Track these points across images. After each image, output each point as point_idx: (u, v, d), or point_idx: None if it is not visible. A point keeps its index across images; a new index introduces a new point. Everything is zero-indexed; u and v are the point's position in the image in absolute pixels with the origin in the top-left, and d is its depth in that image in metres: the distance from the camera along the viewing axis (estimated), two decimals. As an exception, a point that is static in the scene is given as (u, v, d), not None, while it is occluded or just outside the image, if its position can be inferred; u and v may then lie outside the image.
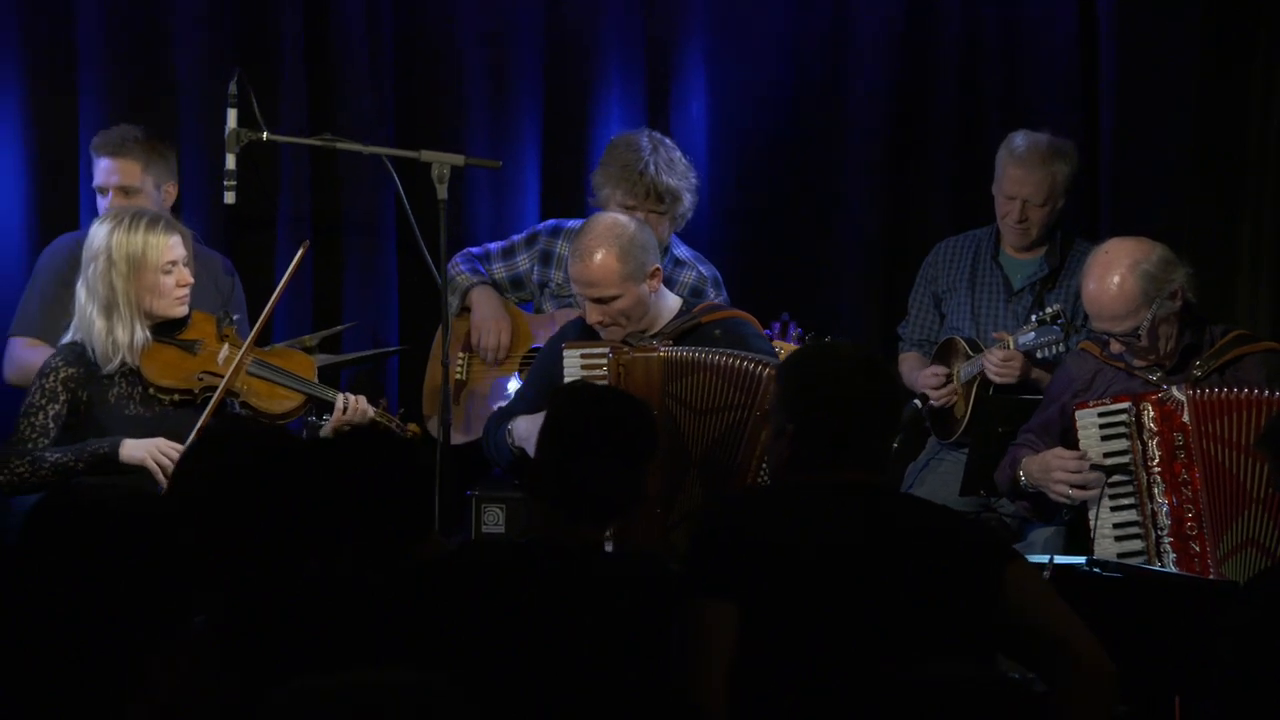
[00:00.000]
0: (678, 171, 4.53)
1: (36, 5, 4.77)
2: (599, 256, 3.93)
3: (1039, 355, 4.24)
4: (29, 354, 4.32)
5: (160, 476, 3.81)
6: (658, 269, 3.99)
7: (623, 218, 4.10)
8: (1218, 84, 4.57)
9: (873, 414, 2.72)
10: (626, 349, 3.89)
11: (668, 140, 4.61)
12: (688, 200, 4.56)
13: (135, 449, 3.85)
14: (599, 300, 3.94)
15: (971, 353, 4.41)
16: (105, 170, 4.43)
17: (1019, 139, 4.52)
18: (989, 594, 2.61)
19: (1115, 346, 3.95)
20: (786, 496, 2.73)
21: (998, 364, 4.26)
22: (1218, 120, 4.56)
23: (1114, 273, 3.87)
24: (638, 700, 2.66)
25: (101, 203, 4.45)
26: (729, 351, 3.83)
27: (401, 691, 1.48)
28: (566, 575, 2.71)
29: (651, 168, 4.47)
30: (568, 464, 2.79)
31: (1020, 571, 2.66)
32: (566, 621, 2.66)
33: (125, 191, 4.41)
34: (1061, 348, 4.23)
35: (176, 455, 3.80)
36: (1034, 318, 4.26)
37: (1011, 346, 4.25)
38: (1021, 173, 4.47)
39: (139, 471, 3.86)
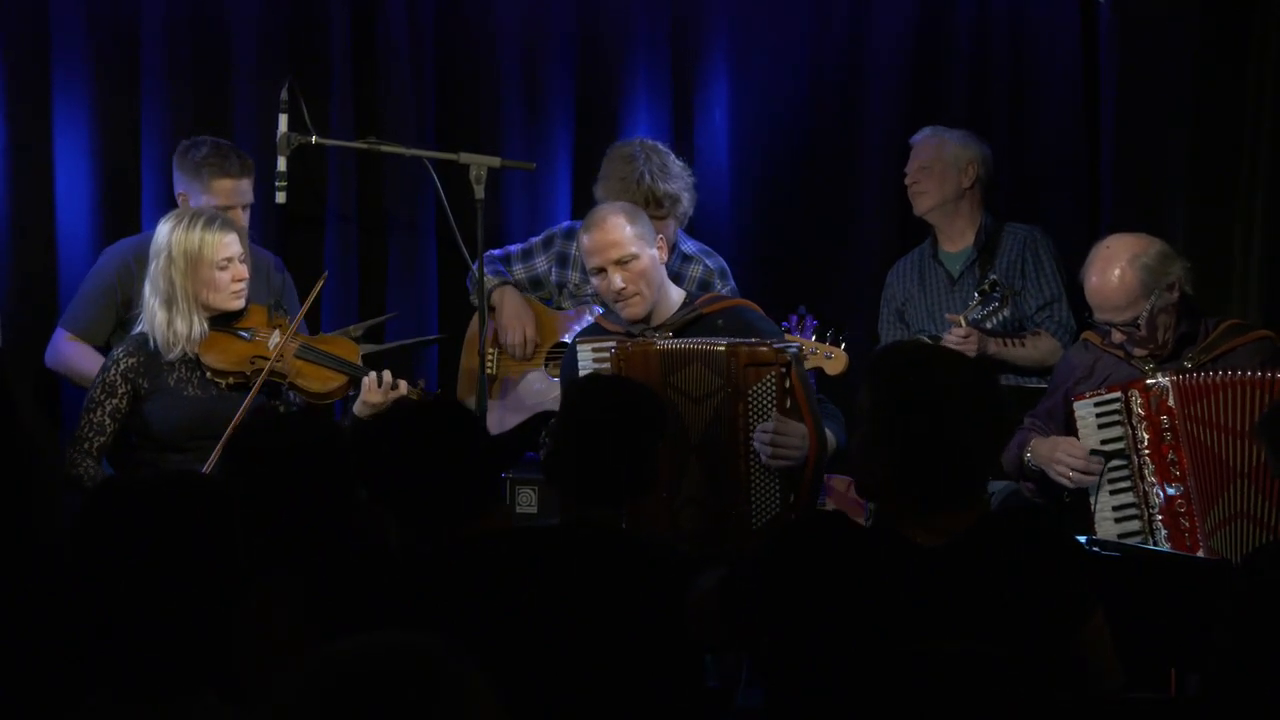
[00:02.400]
0: (672, 175, 4.49)
1: (105, 21, 4.78)
2: (610, 221, 3.93)
3: (988, 325, 4.41)
4: (67, 348, 4.33)
5: None
6: (662, 242, 4.00)
7: (620, 202, 4.13)
8: (1214, 87, 4.54)
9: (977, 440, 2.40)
10: (628, 342, 3.86)
11: (660, 146, 4.57)
12: (686, 200, 4.53)
13: None
14: (619, 262, 3.90)
15: None
16: (245, 190, 4.38)
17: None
18: (1060, 656, 2.40)
19: (1117, 336, 3.95)
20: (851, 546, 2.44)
21: (957, 343, 4.30)
22: (1214, 122, 4.53)
23: (1115, 266, 3.87)
24: (651, 676, 2.65)
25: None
26: (710, 340, 3.77)
27: (411, 653, 1.46)
28: (587, 555, 2.69)
29: (647, 177, 4.44)
30: (583, 450, 2.78)
31: (1092, 631, 2.44)
32: (590, 599, 2.64)
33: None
34: (1006, 312, 4.39)
35: None
36: (975, 293, 4.40)
37: (964, 323, 4.36)
38: (914, 150, 4.76)
39: (190, 453, 3.87)
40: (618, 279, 3.91)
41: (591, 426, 2.82)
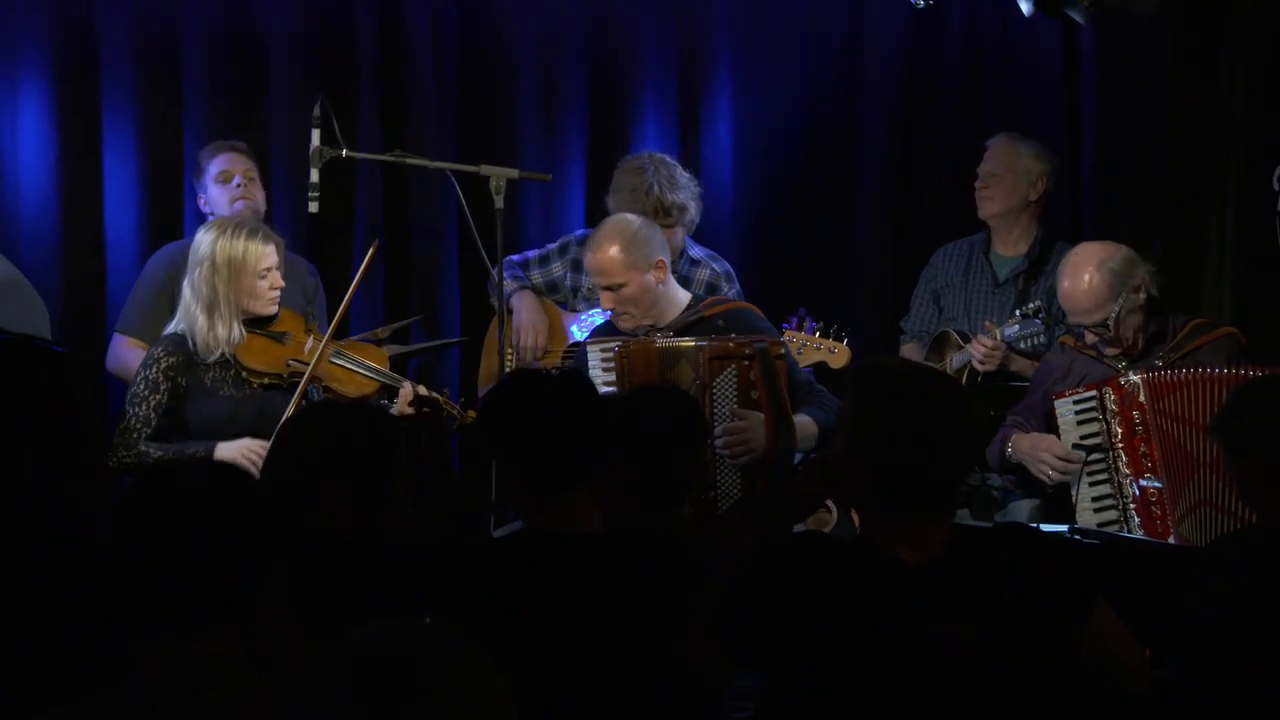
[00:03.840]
0: (679, 185, 4.53)
1: (151, 43, 4.81)
2: (604, 249, 3.98)
3: (1021, 346, 4.32)
4: (127, 352, 4.36)
5: (253, 471, 3.78)
6: (661, 261, 4.00)
7: (630, 216, 4.14)
8: (1189, 101, 4.59)
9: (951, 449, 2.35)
10: (630, 341, 3.91)
11: (668, 159, 4.61)
12: (694, 208, 4.57)
13: (228, 450, 3.84)
14: (608, 288, 4.00)
15: (963, 344, 4.48)
16: (228, 160, 4.47)
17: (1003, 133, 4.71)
18: (1060, 656, 2.35)
19: (1090, 337, 4.01)
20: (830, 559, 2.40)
21: (983, 353, 4.32)
22: (1189, 134, 4.58)
23: (1083, 272, 3.94)
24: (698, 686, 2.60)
25: (216, 191, 4.45)
26: (692, 338, 3.85)
27: (425, 641, 1.47)
28: (639, 563, 2.65)
29: (655, 188, 4.48)
30: (639, 460, 2.78)
31: (1096, 630, 2.39)
32: (640, 608, 2.59)
33: (249, 175, 4.47)
34: (1042, 339, 4.27)
35: (263, 452, 3.79)
36: (1018, 312, 4.31)
37: (998, 337, 4.31)
38: (989, 152, 4.67)
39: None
40: (607, 299, 4.01)
41: (647, 439, 2.80)
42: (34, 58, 4.72)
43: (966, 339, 4.46)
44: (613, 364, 3.90)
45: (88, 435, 2.38)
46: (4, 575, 2.21)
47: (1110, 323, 3.95)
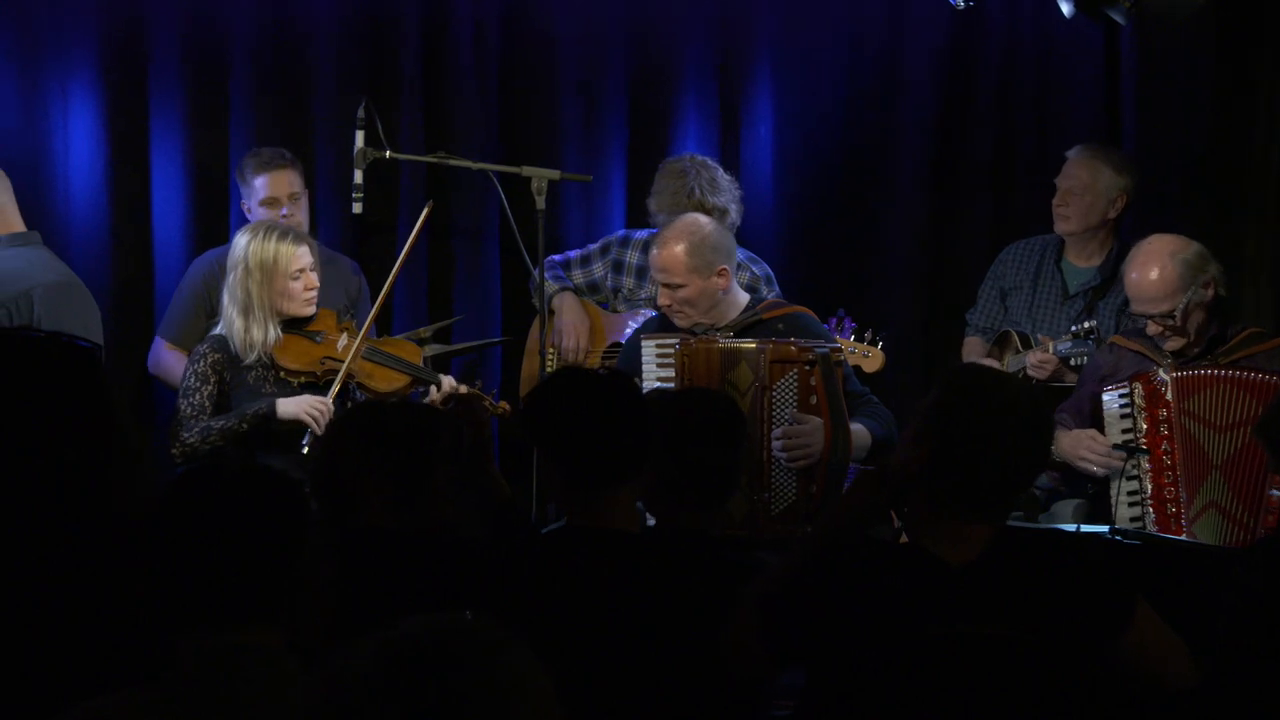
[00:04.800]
0: (721, 188, 4.52)
1: (197, 46, 4.83)
2: (670, 246, 3.95)
3: (1072, 363, 4.29)
4: (166, 355, 4.39)
5: (315, 427, 3.86)
6: (725, 270, 3.96)
7: (703, 218, 4.08)
8: (1228, 106, 4.56)
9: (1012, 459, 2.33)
10: (692, 340, 3.89)
11: (710, 161, 4.59)
12: (734, 211, 4.55)
13: (290, 405, 3.89)
14: (666, 285, 3.97)
15: (1022, 347, 4.45)
16: (276, 182, 4.43)
17: (1083, 144, 4.60)
18: (1102, 659, 2.32)
19: (1152, 328, 3.96)
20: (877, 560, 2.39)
21: (1036, 364, 4.31)
22: (1227, 138, 4.55)
23: (1156, 260, 3.91)
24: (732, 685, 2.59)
25: (264, 214, 4.42)
26: (754, 340, 3.81)
27: (465, 635, 1.46)
28: (679, 562, 2.64)
29: (697, 190, 4.47)
30: (679, 460, 2.77)
31: (1138, 634, 2.35)
32: (679, 607, 2.58)
33: (294, 199, 4.45)
34: (1088, 359, 4.24)
35: (326, 408, 3.88)
36: (1073, 329, 4.30)
37: (1050, 351, 4.29)
38: (1068, 165, 4.54)
39: (289, 432, 3.93)
40: (664, 295, 3.99)
41: (688, 438, 2.79)
42: (85, 62, 4.74)
43: (1027, 341, 4.44)
44: (669, 360, 3.89)
45: (122, 430, 2.39)
46: (42, 570, 2.23)
47: (1177, 314, 3.90)
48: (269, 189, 4.45)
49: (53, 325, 3.61)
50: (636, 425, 2.65)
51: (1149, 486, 3.86)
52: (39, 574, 2.21)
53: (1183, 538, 3.74)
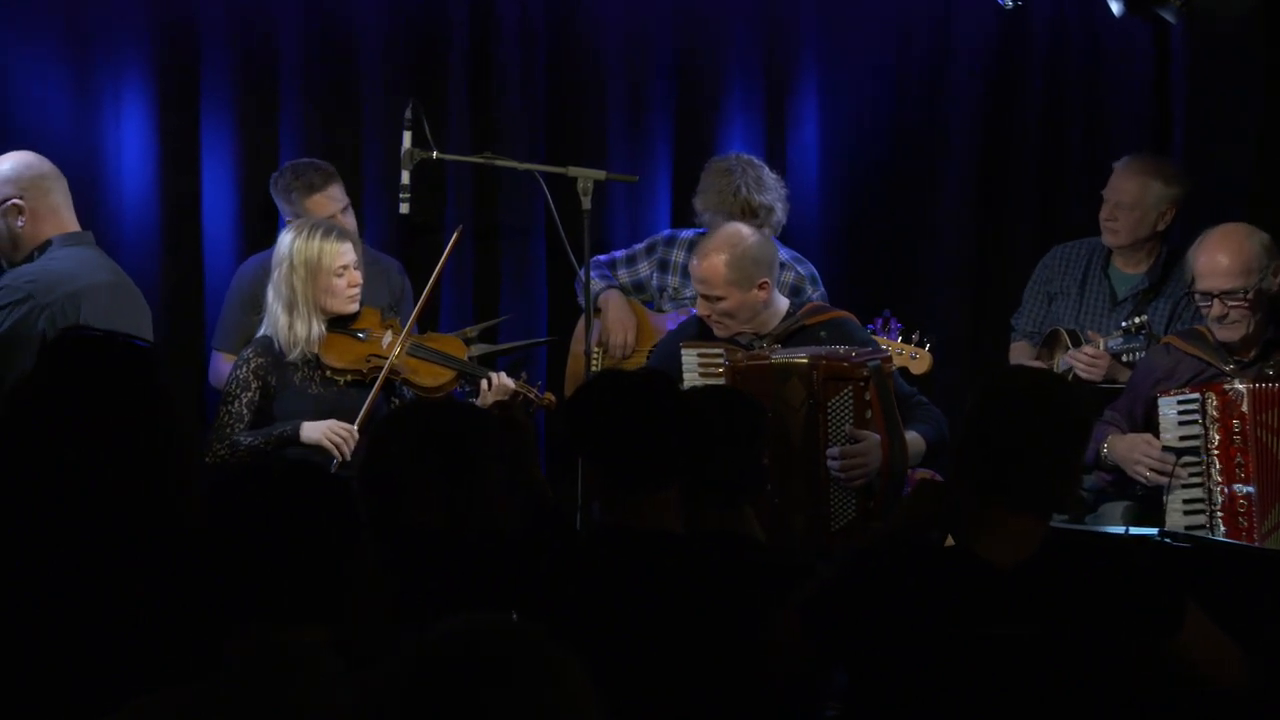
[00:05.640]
0: (767, 187, 4.49)
1: (247, 52, 4.87)
2: (709, 258, 3.90)
3: (1124, 359, 4.24)
4: (225, 367, 4.36)
5: (335, 453, 3.87)
6: (766, 282, 3.90)
7: (745, 230, 4.03)
8: (1276, 115, 4.51)
9: (1041, 449, 2.33)
10: (740, 353, 3.84)
11: (756, 160, 4.57)
12: (780, 210, 4.52)
13: (313, 430, 3.90)
14: (706, 297, 3.93)
15: (1071, 345, 4.39)
16: (323, 201, 4.41)
17: (1131, 155, 4.53)
18: (1151, 662, 2.31)
19: (1217, 309, 3.90)
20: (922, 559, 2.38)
21: (1087, 361, 4.25)
22: (1276, 146, 4.50)
23: (1234, 238, 3.90)
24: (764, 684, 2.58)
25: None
26: (806, 351, 3.76)
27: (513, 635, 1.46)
28: (713, 560, 2.64)
29: (743, 189, 4.44)
30: (700, 457, 2.74)
31: (1188, 638, 2.33)
32: (712, 605, 2.58)
33: (343, 211, 4.43)
34: (1142, 354, 4.19)
35: (349, 435, 3.88)
36: (1123, 324, 4.25)
37: (1101, 348, 4.24)
38: (1117, 179, 4.47)
39: (315, 449, 3.92)
40: (703, 306, 3.95)
41: (707, 436, 2.78)
42: (136, 64, 4.78)
43: (1077, 339, 4.39)
44: (712, 371, 3.85)
45: (178, 428, 2.41)
46: (97, 567, 2.24)
47: (1249, 292, 3.85)
48: (315, 212, 4.39)
49: (101, 326, 3.63)
50: (676, 427, 2.66)
51: (1219, 498, 3.81)
52: (95, 573, 2.22)
53: (1238, 541, 3.69)
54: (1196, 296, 3.99)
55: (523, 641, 1.45)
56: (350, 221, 4.49)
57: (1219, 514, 3.80)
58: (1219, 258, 3.87)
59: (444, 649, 1.44)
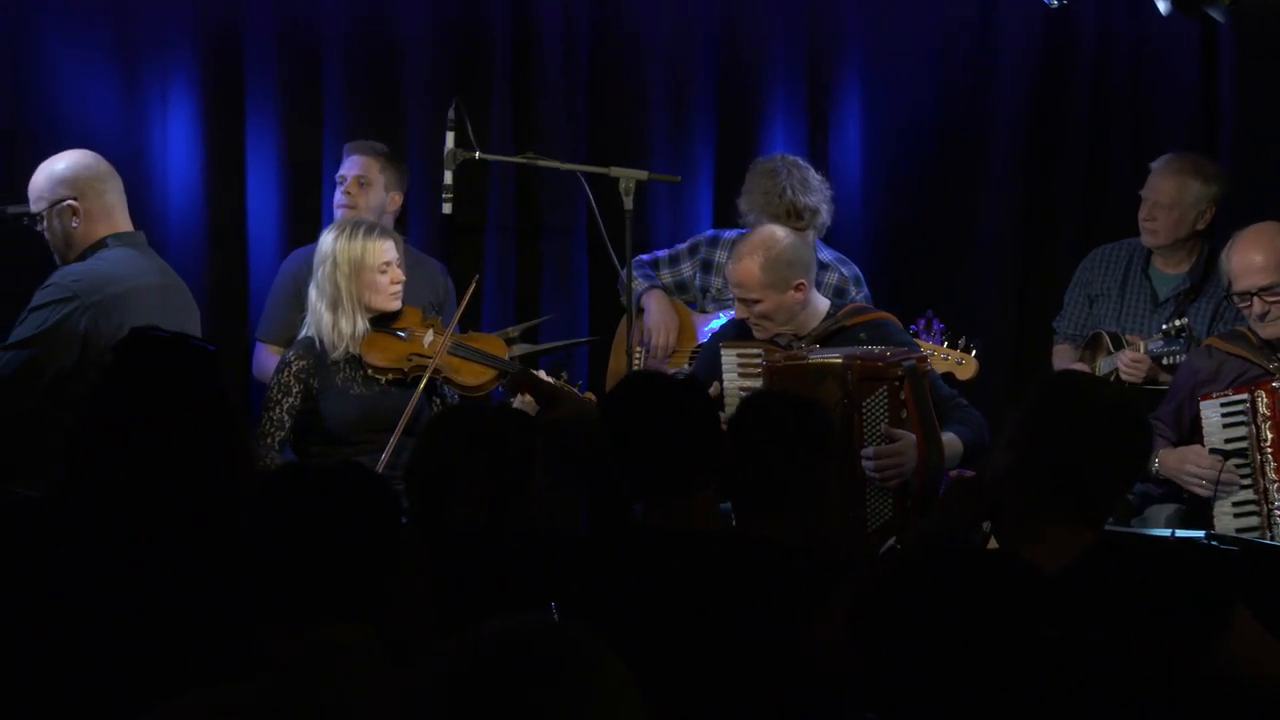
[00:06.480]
0: (812, 188, 4.46)
1: (292, 53, 4.89)
2: (744, 261, 3.88)
3: (1165, 361, 4.20)
4: (269, 359, 4.41)
5: None
6: (802, 284, 3.88)
7: (780, 232, 4.00)
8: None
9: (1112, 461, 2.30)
10: (778, 353, 3.82)
11: (801, 161, 4.54)
12: (825, 212, 4.49)
13: None
14: (743, 300, 3.92)
15: (1113, 348, 4.36)
16: (349, 164, 4.52)
17: (1169, 154, 4.50)
18: (1198, 666, 2.27)
19: (1258, 306, 3.88)
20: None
21: (1128, 365, 4.22)
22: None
23: (1264, 234, 3.89)
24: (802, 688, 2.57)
25: (336, 193, 4.52)
26: (840, 351, 3.74)
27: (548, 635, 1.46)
28: (746, 566, 2.63)
29: (789, 191, 4.41)
30: (746, 464, 2.75)
31: (1236, 641, 2.29)
32: (749, 611, 2.57)
33: (360, 181, 4.48)
34: (1183, 357, 4.15)
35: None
36: (1164, 327, 4.21)
37: (1142, 351, 4.21)
38: (1155, 179, 4.44)
39: (357, 445, 3.95)
40: (741, 309, 3.94)
41: (756, 443, 2.77)
42: (183, 64, 4.81)
43: (1119, 342, 4.35)
44: (750, 370, 3.83)
45: (237, 430, 2.43)
46: (161, 564, 2.25)
47: None
48: (343, 167, 4.55)
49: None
50: (705, 430, 2.66)
51: (1276, 497, 3.77)
52: (154, 572, 2.24)
53: None
54: (1235, 299, 3.97)
55: (570, 641, 1.45)
56: (368, 198, 4.51)
57: (1277, 514, 3.76)
58: (1253, 256, 3.85)
59: (491, 648, 1.44)
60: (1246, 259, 3.87)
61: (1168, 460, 3.92)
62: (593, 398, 4.19)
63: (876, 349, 3.75)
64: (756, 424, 2.83)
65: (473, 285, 4.10)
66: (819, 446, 2.85)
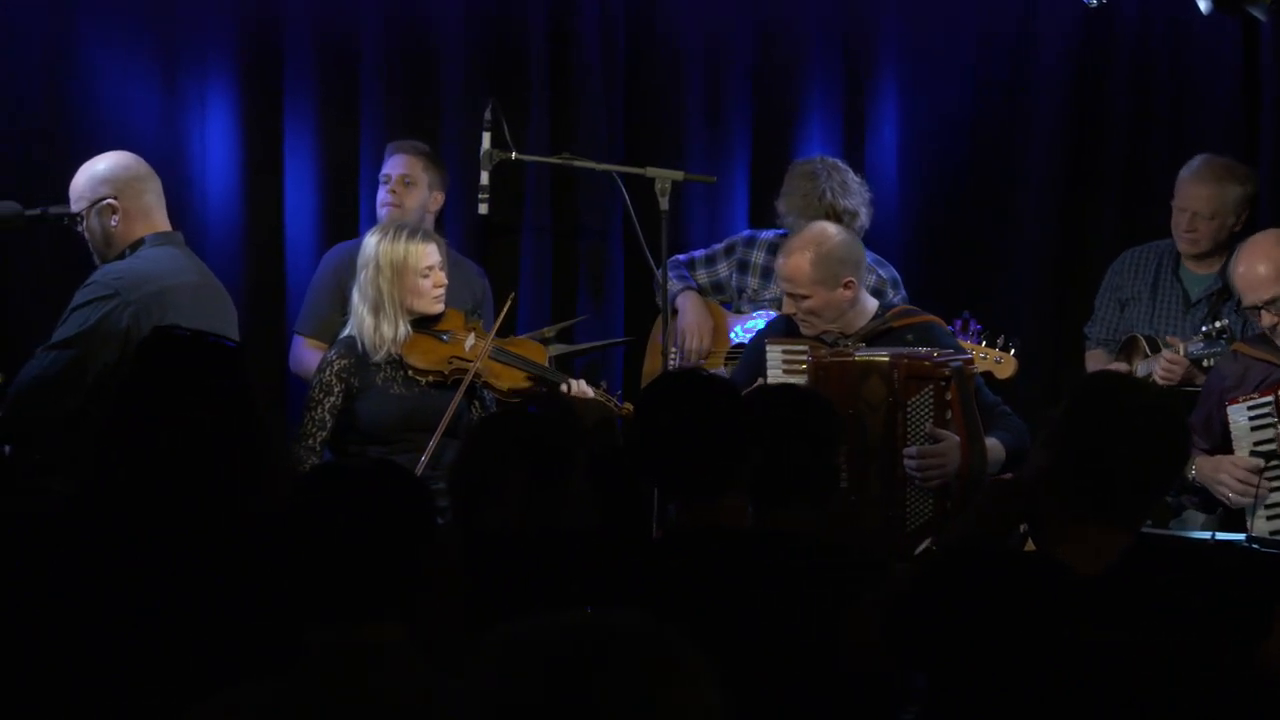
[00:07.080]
0: (851, 191, 4.44)
1: (330, 54, 4.91)
2: (795, 257, 3.86)
3: (1204, 364, 4.17)
4: (306, 353, 4.43)
5: None
6: (851, 281, 3.85)
7: (832, 229, 3.99)
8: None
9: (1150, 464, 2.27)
10: (824, 350, 3.81)
11: (840, 164, 4.52)
12: (864, 214, 4.47)
13: None
14: (791, 295, 3.90)
15: (1150, 351, 4.32)
16: (393, 163, 4.55)
17: (1197, 159, 4.44)
18: (1238, 670, 2.26)
19: (1267, 319, 3.85)
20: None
21: (1165, 367, 4.19)
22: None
23: (1263, 245, 3.84)
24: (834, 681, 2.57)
25: (381, 192, 4.55)
26: (887, 350, 3.71)
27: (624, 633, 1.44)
28: (775, 560, 2.63)
29: (828, 194, 4.40)
30: (766, 457, 2.74)
31: (1277, 643, 2.27)
32: (778, 603, 2.58)
33: (404, 181, 4.52)
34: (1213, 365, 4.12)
35: None
36: (1204, 329, 4.18)
37: (1181, 353, 4.17)
38: (1192, 187, 4.38)
39: (395, 445, 3.96)
40: (789, 304, 3.93)
41: (773, 436, 2.77)
42: (221, 65, 4.84)
43: (1155, 345, 4.31)
44: (796, 367, 3.82)
45: (262, 428, 2.44)
46: (183, 563, 2.26)
47: None
48: (386, 166, 4.58)
49: (185, 325, 3.67)
50: (735, 430, 2.67)
51: None
52: (181, 570, 2.25)
53: None
54: (1248, 313, 3.94)
55: (648, 638, 1.43)
56: (413, 199, 4.54)
57: None
58: (1257, 269, 3.81)
59: (559, 641, 1.41)
60: (1252, 272, 3.83)
61: (1203, 468, 3.89)
62: (631, 408, 4.19)
63: (923, 350, 3.74)
64: (761, 416, 2.83)
65: (509, 302, 4.10)
66: (822, 436, 2.86)
